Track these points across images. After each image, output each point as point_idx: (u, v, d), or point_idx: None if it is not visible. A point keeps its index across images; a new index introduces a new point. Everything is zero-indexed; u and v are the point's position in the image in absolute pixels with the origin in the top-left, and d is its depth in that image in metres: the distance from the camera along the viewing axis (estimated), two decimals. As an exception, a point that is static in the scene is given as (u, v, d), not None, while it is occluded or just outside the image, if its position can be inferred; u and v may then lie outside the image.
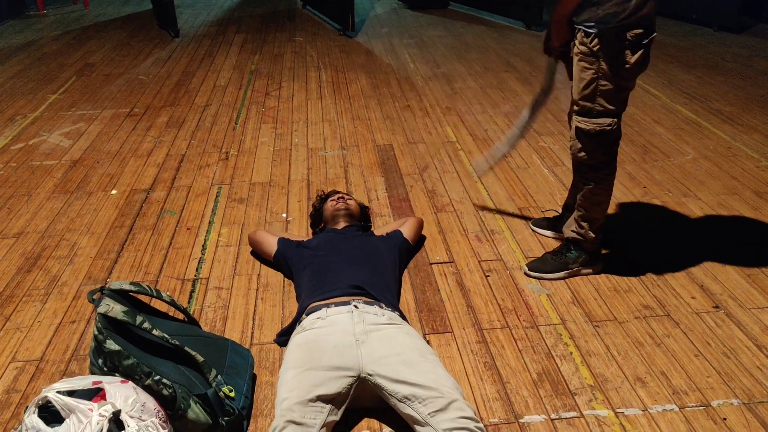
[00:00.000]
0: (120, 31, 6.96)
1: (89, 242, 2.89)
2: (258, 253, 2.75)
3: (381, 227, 2.87)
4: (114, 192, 3.34)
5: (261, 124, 4.27)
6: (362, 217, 2.83)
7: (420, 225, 2.86)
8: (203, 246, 2.86)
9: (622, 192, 3.29)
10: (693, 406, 1.97)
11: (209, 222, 3.06)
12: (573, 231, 2.59)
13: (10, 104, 4.65)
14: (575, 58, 2.30)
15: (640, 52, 2.23)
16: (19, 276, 2.65)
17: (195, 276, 2.65)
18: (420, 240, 2.85)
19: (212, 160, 3.71)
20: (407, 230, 2.73)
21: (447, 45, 6.27)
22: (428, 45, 6.29)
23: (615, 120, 2.33)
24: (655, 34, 2.24)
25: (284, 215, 3.12)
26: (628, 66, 2.25)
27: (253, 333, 2.32)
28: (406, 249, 2.69)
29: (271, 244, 2.64)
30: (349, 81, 5.16)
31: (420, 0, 7.95)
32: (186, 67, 5.55)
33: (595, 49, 2.23)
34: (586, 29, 2.22)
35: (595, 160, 2.40)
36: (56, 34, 6.78)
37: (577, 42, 2.28)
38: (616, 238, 2.85)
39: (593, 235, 2.56)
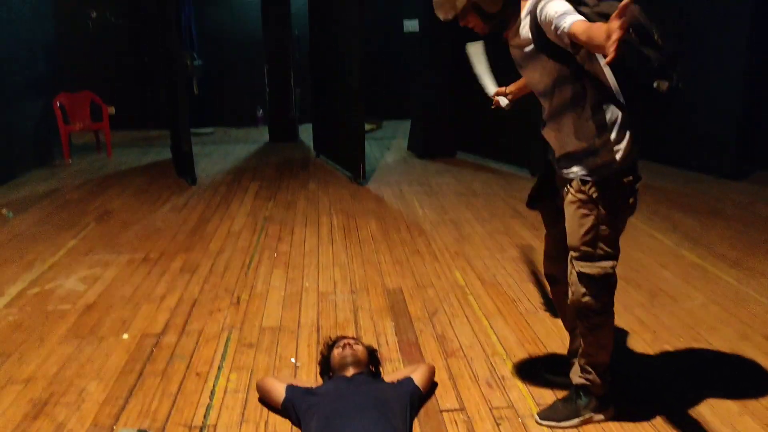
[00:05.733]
0: (140, 178, 7.25)
1: (98, 388, 2.88)
2: (266, 401, 2.72)
3: (391, 373, 2.85)
4: (125, 336, 3.36)
5: (273, 268, 4.36)
6: (371, 360, 2.82)
7: (432, 372, 2.84)
8: (212, 392, 2.84)
9: (631, 337, 3.28)
10: None
11: (218, 367, 3.05)
12: (580, 377, 2.57)
13: (31, 249, 4.78)
14: (572, 206, 2.41)
15: (634, 196, 2.39)
16: (24, 423, 2.62)
17: (203, 423, 2.62)
18: (431, 387, 2.82)
19: (224, 305, 3.76)
20: (418, 378, 2.70)
21: (455, 192, 6.47)
22: (437, 192, 6.50)
23: (616, 262, 2.42)
24: (642, 177, 2.39)
25: (293, 360, 3.12)
26: (624, 210, 2.38)
27: (259, 485, 2.25)
28: (418, 397, 2.66)
29: (279, 393, 2.62)
30: (359, 226, 5.30)
31: (428, 149, 8.28)
32: (202, 214, 5.74)
33: (594, 196, 2.34)
34: (584, 178, 2.35)
35: (601, 303, 2.44)
36: (79, 182, 7.07)
37: (573, 190, 2.39)
38: (627, 384, 2.81)
39: (600, 380, 2.54)
